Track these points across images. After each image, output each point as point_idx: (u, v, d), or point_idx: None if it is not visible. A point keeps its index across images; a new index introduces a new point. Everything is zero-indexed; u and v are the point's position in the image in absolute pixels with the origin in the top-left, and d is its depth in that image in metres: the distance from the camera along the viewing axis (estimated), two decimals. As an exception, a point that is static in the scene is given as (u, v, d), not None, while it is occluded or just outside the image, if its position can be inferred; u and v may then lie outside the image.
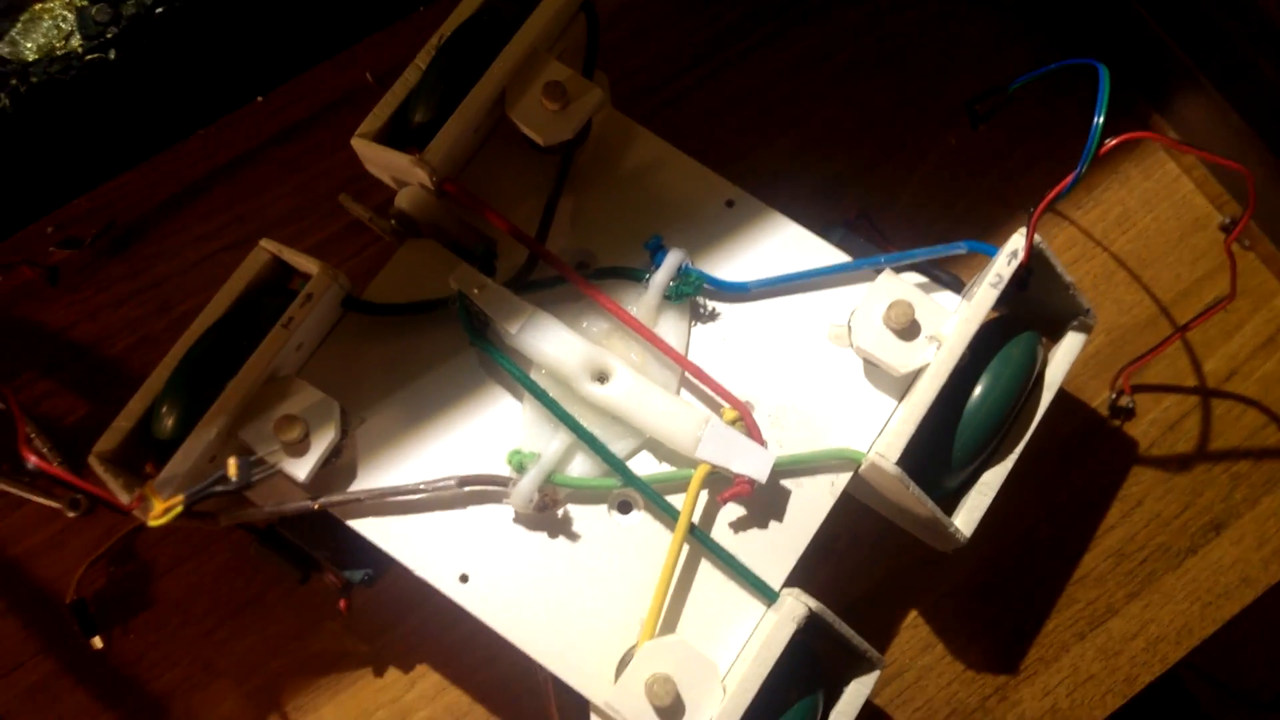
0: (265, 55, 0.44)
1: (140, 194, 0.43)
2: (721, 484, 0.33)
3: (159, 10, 0.37)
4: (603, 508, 0.34)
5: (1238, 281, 0.39)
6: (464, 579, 0.33)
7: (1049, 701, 0.39)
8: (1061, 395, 0.42)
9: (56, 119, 0.38)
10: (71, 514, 0.39)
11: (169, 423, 0.32)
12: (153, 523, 0.28)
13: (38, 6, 0.36)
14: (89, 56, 0.37)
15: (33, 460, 0.27)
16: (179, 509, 0.27)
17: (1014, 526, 0.40)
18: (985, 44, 0.46)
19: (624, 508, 0.34)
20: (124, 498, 0.30)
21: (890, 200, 0.44)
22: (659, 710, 0.30)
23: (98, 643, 0.39)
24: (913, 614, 0.40)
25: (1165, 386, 0.43)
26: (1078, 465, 0.42)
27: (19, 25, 0.36)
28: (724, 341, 0.35)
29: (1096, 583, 0.40)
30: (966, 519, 0.34)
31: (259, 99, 0.44)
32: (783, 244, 0.36)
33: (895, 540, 0.40)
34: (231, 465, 0.28)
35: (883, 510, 0.37)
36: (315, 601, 0.39)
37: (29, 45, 0.36)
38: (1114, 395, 0.42)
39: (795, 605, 0.31)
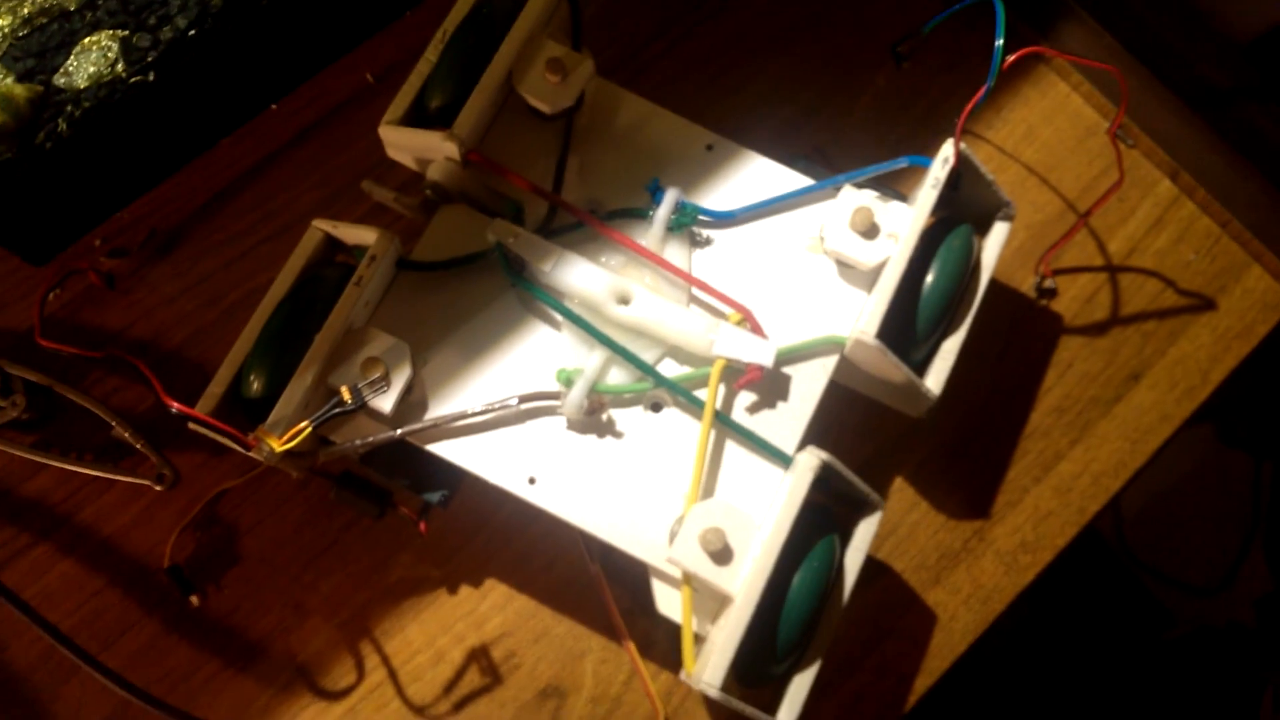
0: (275, 67, 0.49)
1: (177, 203, 0.48)
2: (734, 377, 0.39)
3: (192, 33, 0.42)
4: (638, 409, 0.40)
5: (1126, 175, 0.47)
6: (532, 481, 0.39)
7: (1018, 537, 0.47)
8: (995, 284, 0.50)
9: (105, 139, 0.43)
10: (159, 488, 0.44)
11: (260, 383, 0.38)
12: (282, 445, 0.33)
13: (87, 40, 0.41)
14: (133, 80, 0.42)
15: (175, 406, 0.32)
16: (308, 429, 0.33)
17: (970, 398, 0.48)
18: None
19: (656, 407, 0.40)
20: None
21: (836, 137, 0.51)
22: (712, 556, 0.36)
23: (195, 600, 0.43)
24: (898, 480, 0.47)
25: (1079, 268, 0.51)
26: (1015, 341, 0.49)
27: (72, 58, 0.41)
28: (721, 261, 0.42)
29: (1043, 435, 0.48)
30: (935, 380, 0.41)
31: (273, 106, 0.49)
32: (757, 175, 0.43)
33: (877, 422, 0.47)
34: (345, 391, 0.33)
35: (863, 389, 0.44)
36: (388, 537, 0.45)
37: (81, 75, 0.41)
38: (1038, 279, 0.50)
39: (810, 458, 0.37)
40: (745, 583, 0.36)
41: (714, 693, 0.34)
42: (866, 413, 0.46)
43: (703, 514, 0.37)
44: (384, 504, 0.42)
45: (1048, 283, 0.50)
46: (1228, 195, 0.51)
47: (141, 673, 0.43)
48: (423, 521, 0.41)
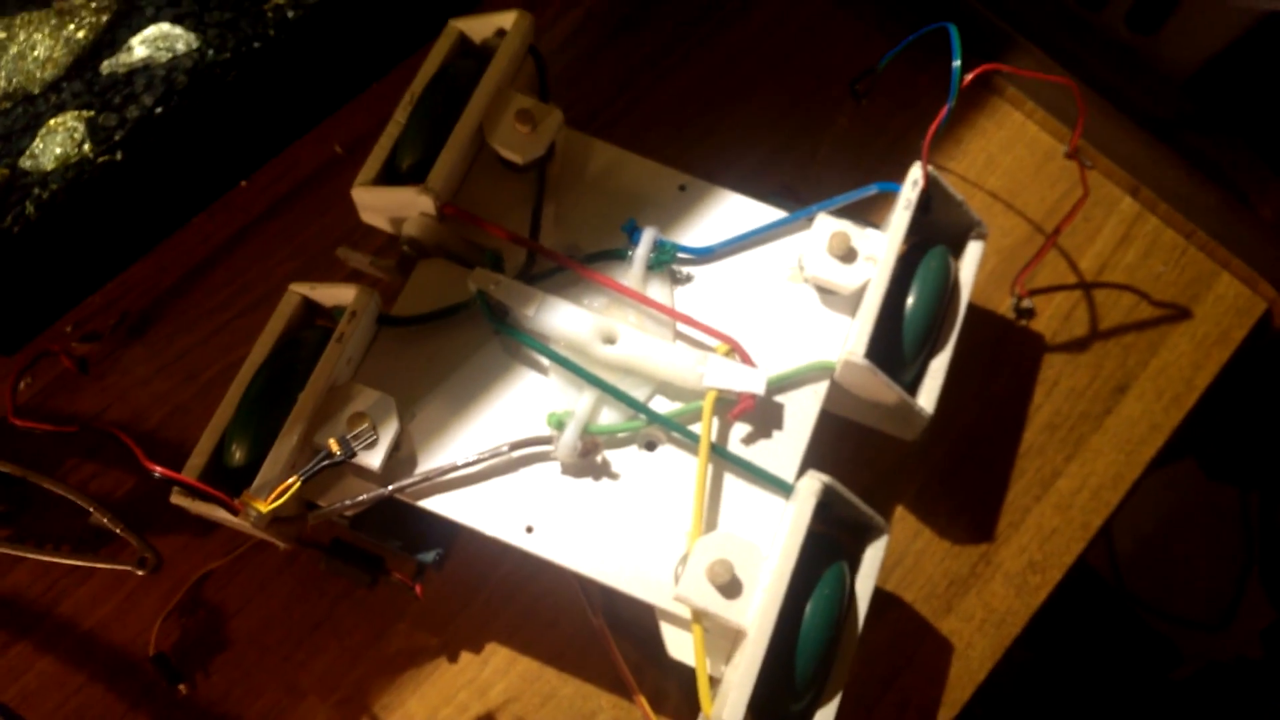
0: (244, 142, 0.49)
1: (150, 282, 0.47)
2: (727, 409, 0.39)
3: (158, 111, 0.43)
4: (633, 449, 0.39)
5: (1088, 195, 0.49)
6: (529, 530, 0.38)
7: (1025, 557, 0.46)
8: (974, 309, 0.50)
9: (73, 221, 0.43)
10: (141, 572, 0.42)
11: (243, 450, 0.37)
12: (270, 505, 0.32)
13: (52, 121, 0.41)
14: (100, 160, 0.42)
15: (158, 471, 0.31)
16: (296, 485, 0.32)
17: (961, 422, 0.48)
18: (852, 40, 0.55)
19: (650, 446, 0.39)
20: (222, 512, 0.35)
21: (804, 175, 0.52)
22: (720, 589, 0.35)
23: (183, 689, 0.41)
24: (899, 509, 0.46)
25: (1054, 287, 0.51)
26: (1000, 363, 0.50)
27: (38, 140, 0.41)
28: (703, 296, 0.42)
29: (1038, 453, 0.48)
30: (927, 398, 0.41)
31: (243, 182, 0.49)
32: (732, 211, 0.43)
33: (871, 452, 0.46)
34: (333, 444, 0.32)
35: (857, 416, 0.43)
36: (382, 607, 0.43)
37: (47, 157, 0.41)
38: (1015, 300, 0.50)
39: (812, 482, 0.37)
40: (757, 614, 0.34)
41: (735, 732, 0.33)
42: (860, 443, 0.46)
43: (708, 547, 0.36)
44: (376, 571, 0.41)
45: (1025, 303, 0.50)
46: (1189, 207, 0.52)
47: (128, 772, 0.41)
48: (418, 584, 0.40)
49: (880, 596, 0.45)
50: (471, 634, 0.43)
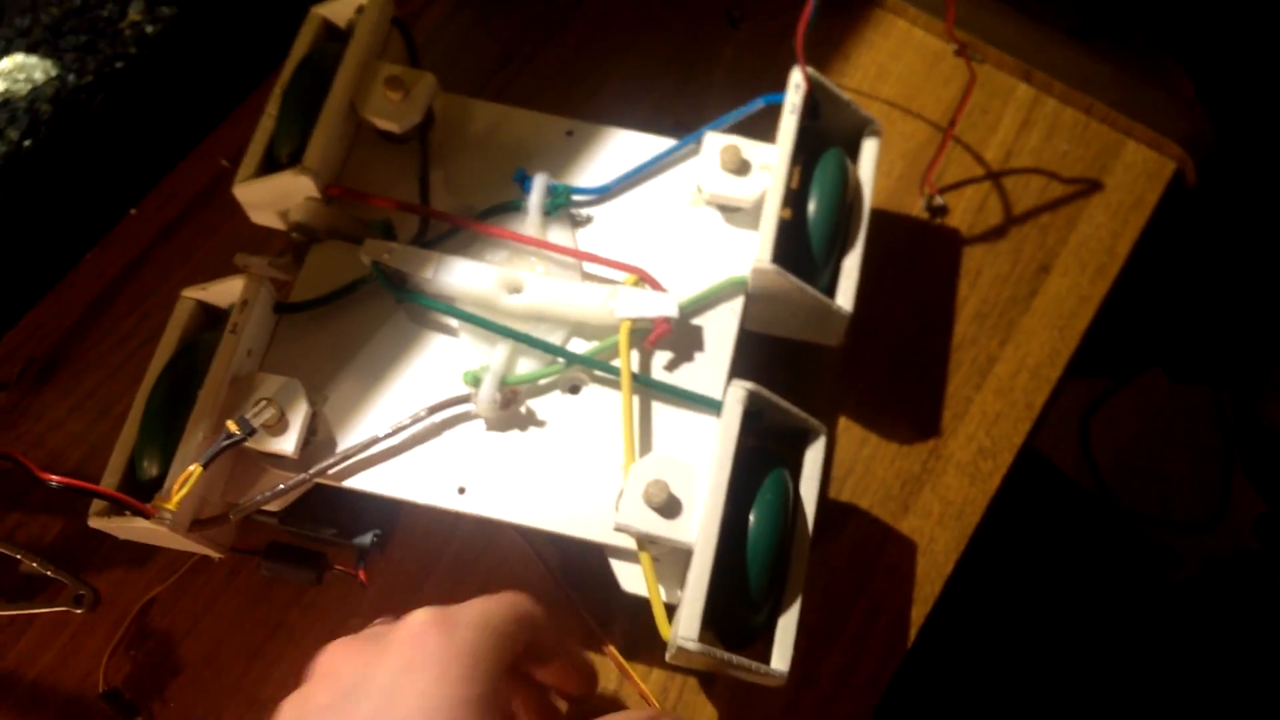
0: (124, 169, 0.48)
1: (51, 324, 0.46)
2: (645, 339, 0.38)
3: (26, 144, 0.42)
4: (556, 395, 0.39)
5: (982, 87, 0.49)
6: (462, 491, 0.37)
7: (974, 445, 0.45)
8: (887, 214, 0.50)
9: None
10: (79, 611, 0.41)
11: (154, 461, 0.36)
12: (175, 497, 0.31)
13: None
14: (-30, 200, 0.41)
15: (55, 480, 0.30)
16: (198, 472, 0.31)
17: (891, 326, 0.48)
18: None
19: (574, 389, 0.39)
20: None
21: (700, 112, 0.51)
22: (659, 511, 0.34)
23: (142, 722, 0.40)
24: (842, 421, 0.46)
25: (964, 181, 0.51)
26: (920, 263, 0.49)
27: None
28: (606, 235, 0.41)
29: (972, 343, 0.48)
30: (844, 297, 0.40)
31: (132, 211, 0.48)
32: (623, 148, 0.43)
33: (806, 370, 0.46)
34: (231, 425, 0.31)
35: (781, 330, 0.43)
36: (335, 605, 0.42)
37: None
38: (926, 200, 0.50)
39: (737, 390, 0.36)
40: (701, 529, 0.34)
41: (693, 646, 0.32)
42: (794, 365, 0.45)
43: (642, 471, 0.35)
44: (320, 567, 0.40)
45: (936, 200, 0.50)
46: (1084, 82, 0.53)
47: (96, 818, 0.39)
48: (361, 570, 0.39)
49: (837, 508, 0.44)
50: (431, 616, 0.42)
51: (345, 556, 0.40)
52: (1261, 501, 1.10)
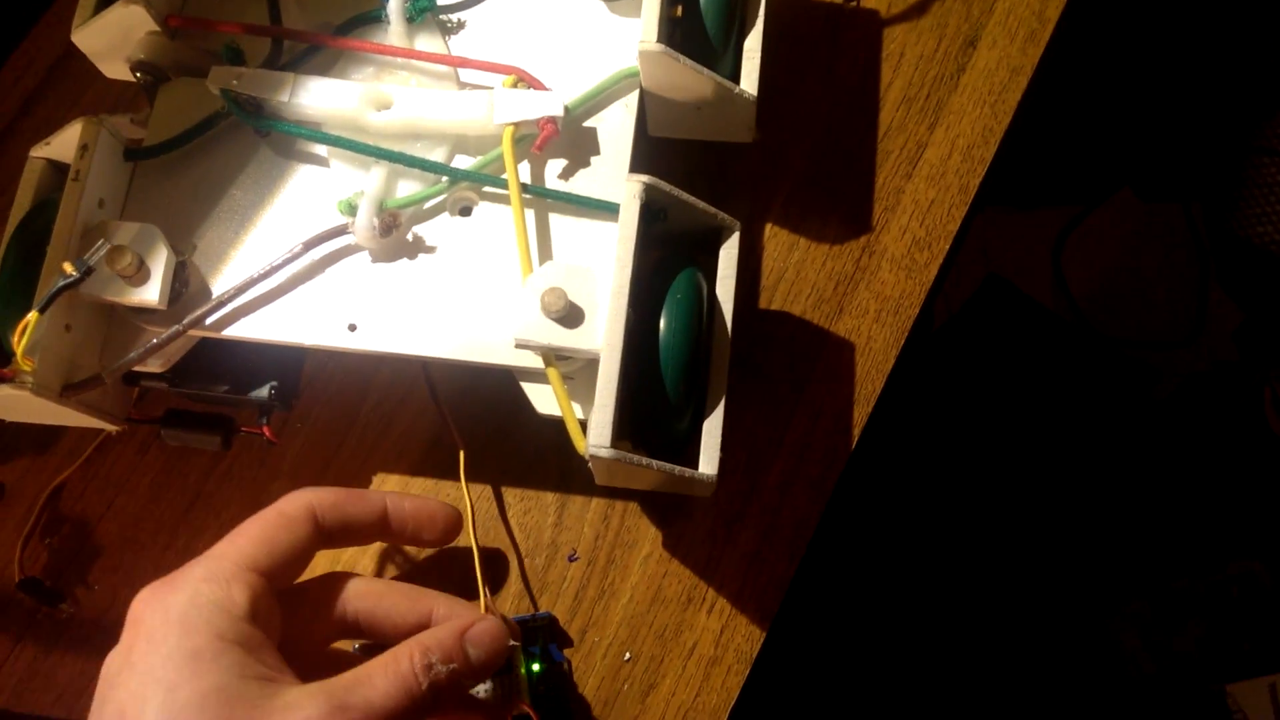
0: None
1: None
2: (532, 145, 0.35)
3: None
4: (445, 219, 0.36)
5: None
6: (353, 328, 0.34)
7: (908, 237, 0.43)
8: (800, 4, 0.46)
9: None
10: (-18, 505, 0.39)
11: (10, 328, 0.33)
12: (20, 348, 0.28)
13: None
14: None
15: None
16: (34, 318, 0.28)
17: (812, 120, 0.44)
18: None
19: (465, 211, 0.36)
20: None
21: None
22: (560, 321, 0.32)
23: (65, 609, 0.39)
24: (768, 228, 0.43)
25: (879, -42, 0.47)
26: (839, 51, 0.46)
27: None
28: (482, 39, 0.38)
29: (899, 130, 0.45)
30: (748, 80, 0.37)
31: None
32: (488, -58, 0.39)
33: (722, 176, 0.43)
34: (67, 266, 0.29)
35: (686, 131, 0.39)
36: (253, 470, 0.40)
37: None
38: (841, -18, 0.46)
39: (632, 184, 0.33)
40: (605, 334, 0.31)
41: (606, 453, 0.30)
42: (710, 173, 0.43)
43: (538, 281, 0.32)
44: (225, 430, 0.38)
45: (851, -19, 0.46)
46: None
47: (31, 700, 0.38)
48: (265, 427, 0.37)
49: (769, 318, 0.42)
50: (354, 471, 0.40)
51: (251, 419, 0.38)
52: (1239, 312, 1.09)
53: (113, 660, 0.27)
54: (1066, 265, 1.11)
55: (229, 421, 0.38)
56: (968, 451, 0.95)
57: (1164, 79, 1.05)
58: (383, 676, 0.27)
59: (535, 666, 0.36)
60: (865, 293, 0.42)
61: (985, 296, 1.06)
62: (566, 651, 0.37)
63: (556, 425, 0.33)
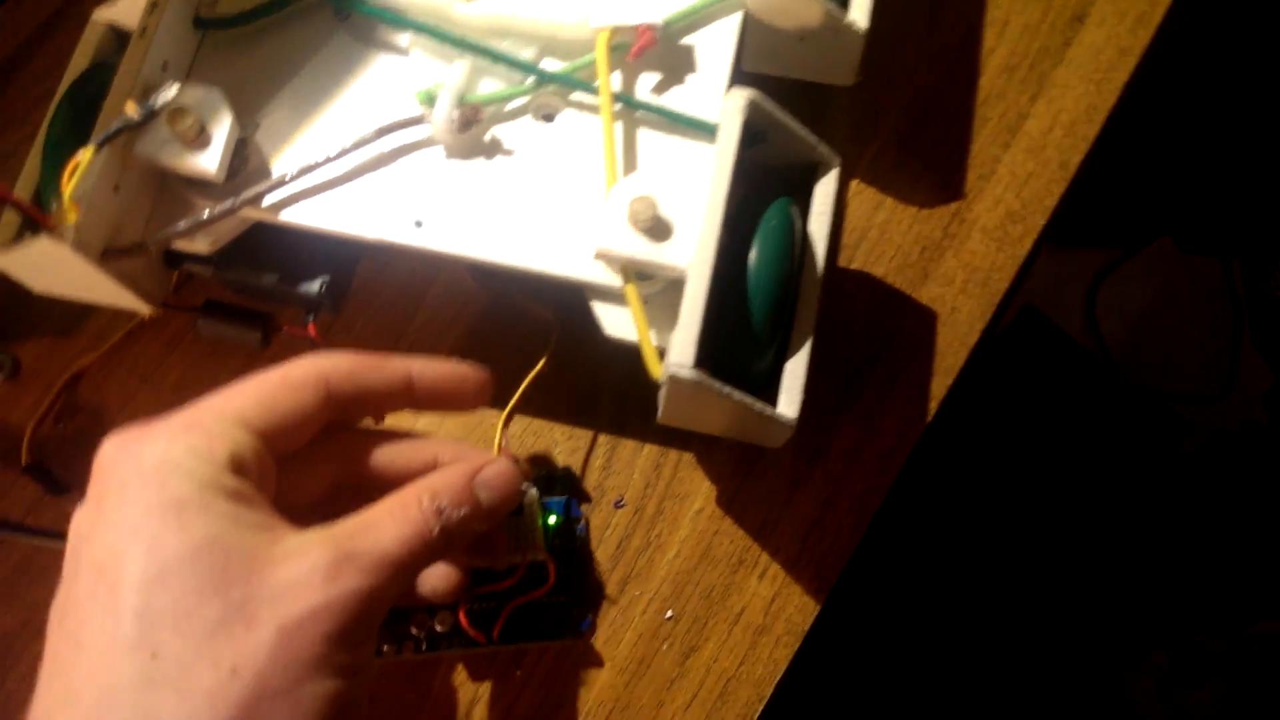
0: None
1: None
2: (627, 54, 0.33)
3: None
4: (527, 122, 0.33)
5: None
6: (419, 224, 0.32)
7: (1002, 208, 0.41)
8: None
9: None
10: (-1, 380, 0.37)
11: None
12: (68, 190, 0.26)
13: None
14: None
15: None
16: (88, 155, 0.26)
17: (909, 79, 0.42)
18: None
19: (548, 117, 0.34)
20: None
21: None
22: (647, 233, 0.30)
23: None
24: (854, 184, 0.41)
25: (991, -76, 0.45)
26: (941, 12, 0.43)
27: None
28: (579, -57, 0.35)
29: (999, 98, 0.42)
30: (858, 10, 0.35)
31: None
32: None
33: (815, 121, 0.41)
34: (130, 106, 0.26)
35: (780, 67, 0.37)
36: (287, 378, 0.38)
37: None
38: (950, -58, 0.44)
39: (736, 98, 0.31)
40: (697, 251, 0.29)
41: (687, 374, 0.28)
42: (802, 116, 0.40)
43: (626, 189, 0.30)
44: (266, 327, 0.35)
45: (961, -56, 0.44)
46: None
47: (24, 593, 0.35)
48: (311, 325, 0.34)
49: (849, 277, 0.40)
50: (396, 389, 0.38)
51: (295, 318, 0.35)
52: (1270, 374, 1.07)
53: (82, 516, 0.24)
54: (1100, 307, 1.08)
55: (270, 318, 0.35)
56: (993, 483, 0.93)
57: (1215, 133, 1.03)
58: (391, 521, 0.24)
59: (552, 520, 0.33)
60: (953, 261, 0.40)
61: (1021, 328, 1.04)
62: (584, 507, 0.36)
63: (617, 361, 0.31)
